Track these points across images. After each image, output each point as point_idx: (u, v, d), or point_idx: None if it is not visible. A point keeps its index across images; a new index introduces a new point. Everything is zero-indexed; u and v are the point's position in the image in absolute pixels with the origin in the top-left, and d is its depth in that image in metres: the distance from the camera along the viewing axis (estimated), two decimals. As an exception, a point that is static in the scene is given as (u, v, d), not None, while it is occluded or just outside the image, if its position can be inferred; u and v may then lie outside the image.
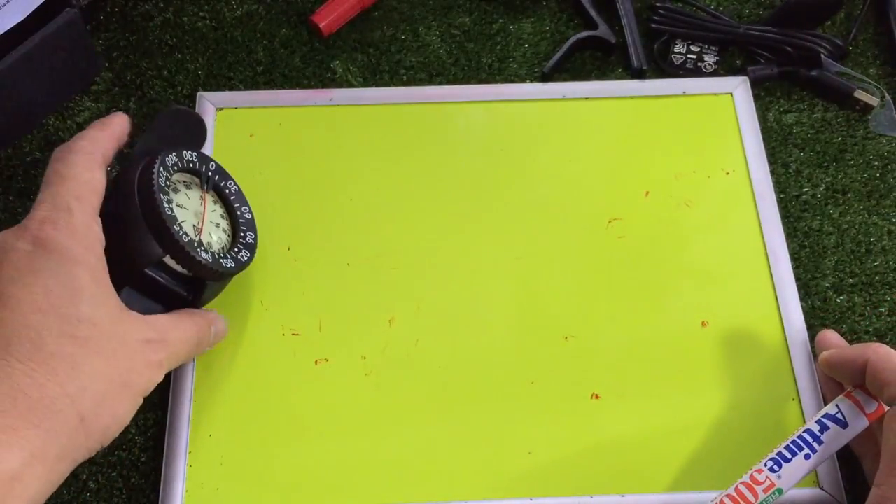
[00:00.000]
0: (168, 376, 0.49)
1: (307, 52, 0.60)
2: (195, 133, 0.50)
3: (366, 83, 0.59)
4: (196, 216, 0.45)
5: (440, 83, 0.59)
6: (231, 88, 0.58)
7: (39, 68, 0.53)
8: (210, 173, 0.47)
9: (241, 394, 0.48)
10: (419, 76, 0.59)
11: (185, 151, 0.46)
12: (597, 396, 0.49)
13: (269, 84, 0.58)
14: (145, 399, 0.49)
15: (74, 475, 0.47)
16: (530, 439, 0.48)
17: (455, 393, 0.49)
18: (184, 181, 0.46)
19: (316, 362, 0.49)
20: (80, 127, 0.56)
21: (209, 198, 0.47)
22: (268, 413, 0.48)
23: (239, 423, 0.48)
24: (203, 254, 0.43)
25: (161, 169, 0.43)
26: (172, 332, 0.42)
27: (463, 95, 0.57)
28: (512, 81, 0.59)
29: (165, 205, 0.42)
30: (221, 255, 0.45)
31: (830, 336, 0.49)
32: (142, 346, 0.40)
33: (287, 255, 0.52)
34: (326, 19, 0.59)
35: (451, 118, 0.56)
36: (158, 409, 0.49)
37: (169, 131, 0.49)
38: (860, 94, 0.57)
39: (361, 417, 0.48)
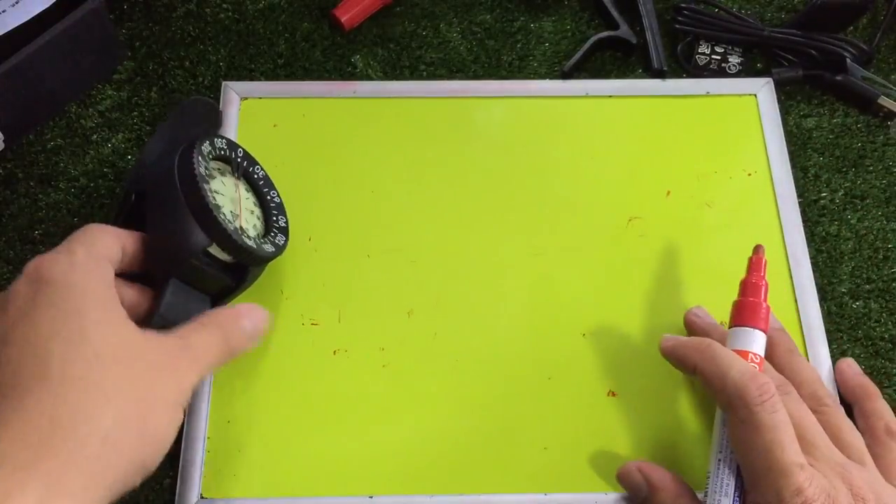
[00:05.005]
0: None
1: (328, 46, 0.60)
2: (210, 120, 0.50)
3: (386, 78, 0.59)
4: (233, 203, 0.45)
5: (460, 80, 0.59)
6: (252, 80, 0.58)
7: (63, 56, 0.53)
8: (239, 160, 0.47)
9: (260, 382, 0.49)
10: (439, 72, 0.59)
11: (215, 139, 0.46)
12: (613, 394, 0.49)
13: (290, 77, 0.58)
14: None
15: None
16: (546, 434, 0.48)
17: (472, 386, 0.49)
18: (217, 168, 0.46)
19: (335, 352, 0.49)
20: (102, 115, 0.57)
21: (241, 184, 0.47)
22: (286, 401, 0.48)
23: (257, 410, 0.48)
24: (247, 240, 0.43)
25: (199, 157, 0.43)
26: (194, 337, 0.40)
27: (487, 91, 0.57)
28: (532, 79, 0.59)
29: (209, 193, 0.42)
30: (260, 240, 0.45)
31: (689, 317, 0.50)
32: (162, 358, 0.38)
33: (308, 245, 0.52)
34: (348, 13, 0.59)
35: (474, 113, 0.56)
36: (174, 397, 0.49)
37: (185, 121, 0.49)
38: (884, 101, 0.57)
39: (378, 408, 0.48)
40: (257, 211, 0.48)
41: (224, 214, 0.42)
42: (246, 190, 0.48)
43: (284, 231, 0.48)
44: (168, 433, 0.37)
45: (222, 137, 0.47)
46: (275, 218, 0.48)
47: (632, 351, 0.50)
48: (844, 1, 0.58)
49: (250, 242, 0.43)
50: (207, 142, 0.45)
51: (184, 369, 0.38)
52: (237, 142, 0.54)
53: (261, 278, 0.50)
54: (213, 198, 0.42)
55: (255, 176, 0.48)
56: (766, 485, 0.38)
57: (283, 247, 0.47)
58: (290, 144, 0.55)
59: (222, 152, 0.46)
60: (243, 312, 0.42)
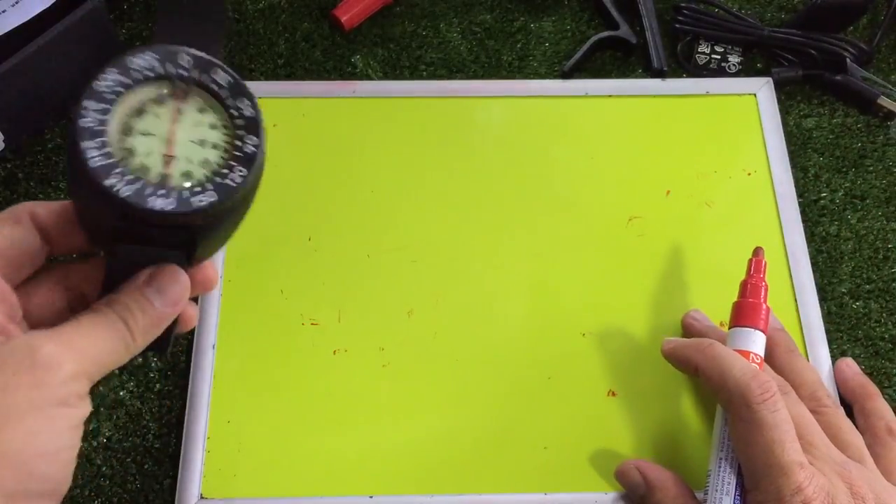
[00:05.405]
0: (187, 361, 0.49)
1: (328, 46, 0.60)
2: (211, 18, 0.37)
3: (386, 78, 0.59)
4: (164, 142, 0.33)
5: (460, 80, 0.59)
6: (252, 80, 0.58)
7: (63, 56, 0.53)
8: (183, 73, 0.33)
9: (260, 381, 0.49)
10: (439, 72, 0.59)
11: (133, 58, 0.33)
12: (613, 393, 0.49)
13: (290, 77, 0.58)
14: (160, 387, 0.49)
15: (89, 460, 0.48)
16: (546, 434, 0.48)
17: (472, 386, 0.49)
18: (155, 97, 0.34)
19: (334, 352, 0.49)
20: (102, 114, 0.57)
21: (191, 107, 0.34)
22: (286, 401, 0.48)
23: (257, 410, 0.48)
24: (159, 201, 0.32)
25: (87, 104, 0.32)
26: (72, 327, 0.32)
27: (487, 90, 0.57)
28: (532, 79, 0.59)
29: (92, 153, 0.32)
30: (204, 185, 0.33)
31: (686, 319, 0.50)
32: (11, 364, 0.30)
33: (308, 245, 0.52)
34: (348, 14, 0.59)
35: (474, 113, 0.57)
36: (174, 397, 0.49)
37: (178, 29, 0.37)
38: (884, 101, 0.57)
39: (378, 408, 0.48)
40: (217, 136, 0.34)
41: (128, 171, 0.32)
42: (200, 111, 0.34)
43: (249, 160, 0.34)
44: (31, 447, 0.29)
45: (158, 48, 0.33)
46: (239, 142, 0.34)
47: (632, 351, 0.50)
48: (844, 1, 0.58)
49: (166, 203, 0.32)
50: (114, 70, 0.33)
51: (44, 367, 0.30)
52: None
53: (260, 277, 0.50)
54: (106, 154, 0.32)
55: (216, 86, 0.34)
56: (766, 483, 0.38)
57: (241, 185, 0.33)
58: (290, 144, 0.55)
59: (148, 74, 0.33)
60: (146, 284, 0.33)
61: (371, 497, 0.46)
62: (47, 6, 0.52)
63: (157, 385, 0.49)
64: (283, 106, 0.56)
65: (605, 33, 0.59)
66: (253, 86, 0.57)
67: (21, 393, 0.29)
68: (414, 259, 0.52)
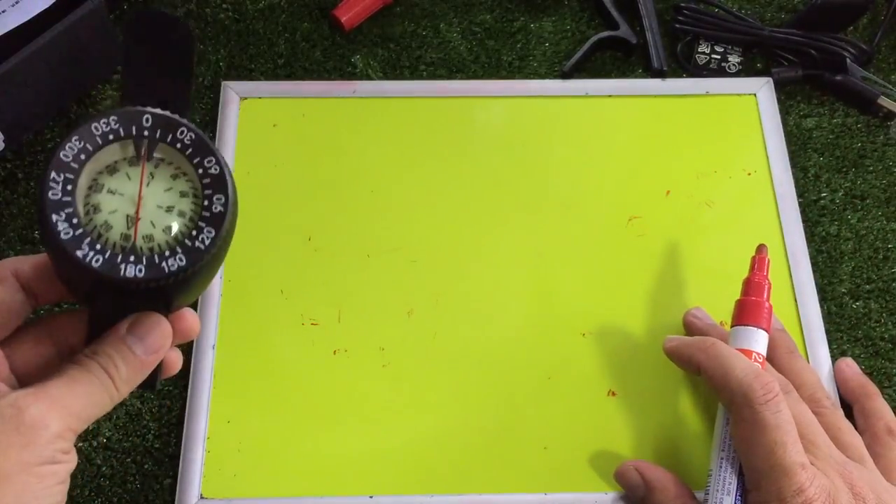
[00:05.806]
0: (187, 361, 0.49)
1: (328, 46, 0.60)
2: (178, 50, 0.36)
3: (386, 78, 0.59)
4: (132, 203, 0.34)
5: (460, 80, 0.59)
6: (252, 80, 0.58)
7: (63, 56, 0.53)
8: (145, 132, 0.34)
9: (260, 381, 0.49)
10: (439, 72, 0.59)
11: (97, 124, 0.33)
12: (613, 393, 0.49)
13: (290, 77, 0.58)
14: (160, 387, 0.49)
15: (88, 460, 0.48)
16: (546, 434, 0.48)
17: (472, 386, 0.49)
18: (126, 157, 0.34)
19: (334, 352, 0.49)
20: (102, 114, 0.57)
21: (164, 173, 0.34)
22: (286, 401, 0.48)
23: (257, 410, 0.48)
24: (130, 268, 0.32)
25: (54, 175, 0.32)
26: (54, 384, 0.32)
27: (487, 90, 0.57)
28: (532, 79, 0.59)
29: (61, 225, 0.32)
30: (170, 249, 0.33)
31: (688, 318, 0.50)
32: (26, 425, 0.30)
33: (308, 245, 0.52)
34: (348, 14, 0.59)
35: (474, 113, 0.57)
36: (174, 397, 0.49)
37: (147, 66, 0.36)
38: (884, 101, 0.57)
39: (378, 408, 0.48)
40: (186, 203, 0.34)
41: (97, 239, 0.32)
42: (173, 177, 0.35)
43: (218, 220, 0.34)
44: (38, 498, 0.30)
45: (120, 112, 0.34)
46: (207, 202, 0.34)
47: (632, 351, 0.50)
48: (844, 1, 0.58)
49: (136, 270, 0.32)
50: (77, 135, 0.33)
51: (31, 428, 0.30)
52: (237, 141, 0.53)
53: (260, 277, 0.50)
54: (75, 224, 0.32)
55: (181, 144, 0.34)
56: (767, 484, 0.38)
57: (210, 247, 0.33)
58: (290, 144, 0.55)
59: (110, 136, 0.33)
60: (127, 332, 0.34)
61: (371, 497, 0.46)
62: (47, 6, 0.52)
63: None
64: (284, 106, 0.56)
65: (605, 33, 0.59)
66: (252, 86, 0.57)
67: (9, 454, 0.29)
68: (414, 259, 0.52)
